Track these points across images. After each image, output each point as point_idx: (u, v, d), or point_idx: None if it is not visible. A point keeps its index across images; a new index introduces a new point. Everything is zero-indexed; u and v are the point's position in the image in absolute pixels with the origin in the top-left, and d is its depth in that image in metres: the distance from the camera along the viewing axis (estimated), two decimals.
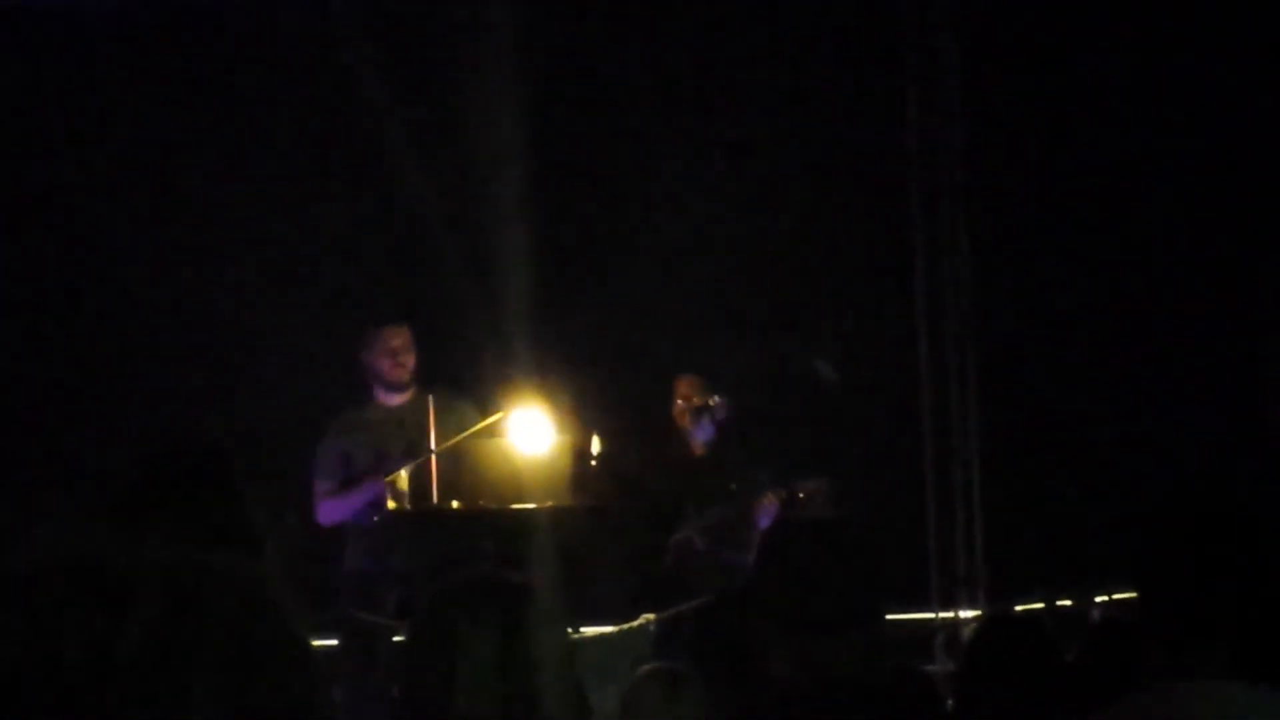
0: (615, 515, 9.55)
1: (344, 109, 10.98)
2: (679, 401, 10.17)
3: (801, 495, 9.68)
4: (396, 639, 8.74)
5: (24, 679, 1.28)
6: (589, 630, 8.97)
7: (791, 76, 11.34)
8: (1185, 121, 11.26)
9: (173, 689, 1.30)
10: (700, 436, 10.13)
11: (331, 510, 9.60)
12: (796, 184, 11.45)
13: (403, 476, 9.41)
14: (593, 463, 9.59)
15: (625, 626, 9.17)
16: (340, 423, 9.70)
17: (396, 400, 9.66)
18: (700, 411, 10.12)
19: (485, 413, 9.39)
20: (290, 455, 10.11)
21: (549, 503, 9.16)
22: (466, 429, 9.30)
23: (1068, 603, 9.98)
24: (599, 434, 9.70)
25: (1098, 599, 9.83)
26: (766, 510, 9.72)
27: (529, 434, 9.35)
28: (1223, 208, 11.30)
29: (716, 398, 10.12)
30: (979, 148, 11.57)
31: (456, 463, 9.39)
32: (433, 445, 9.46)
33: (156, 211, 11.08)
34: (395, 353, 9.60)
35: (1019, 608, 9.62)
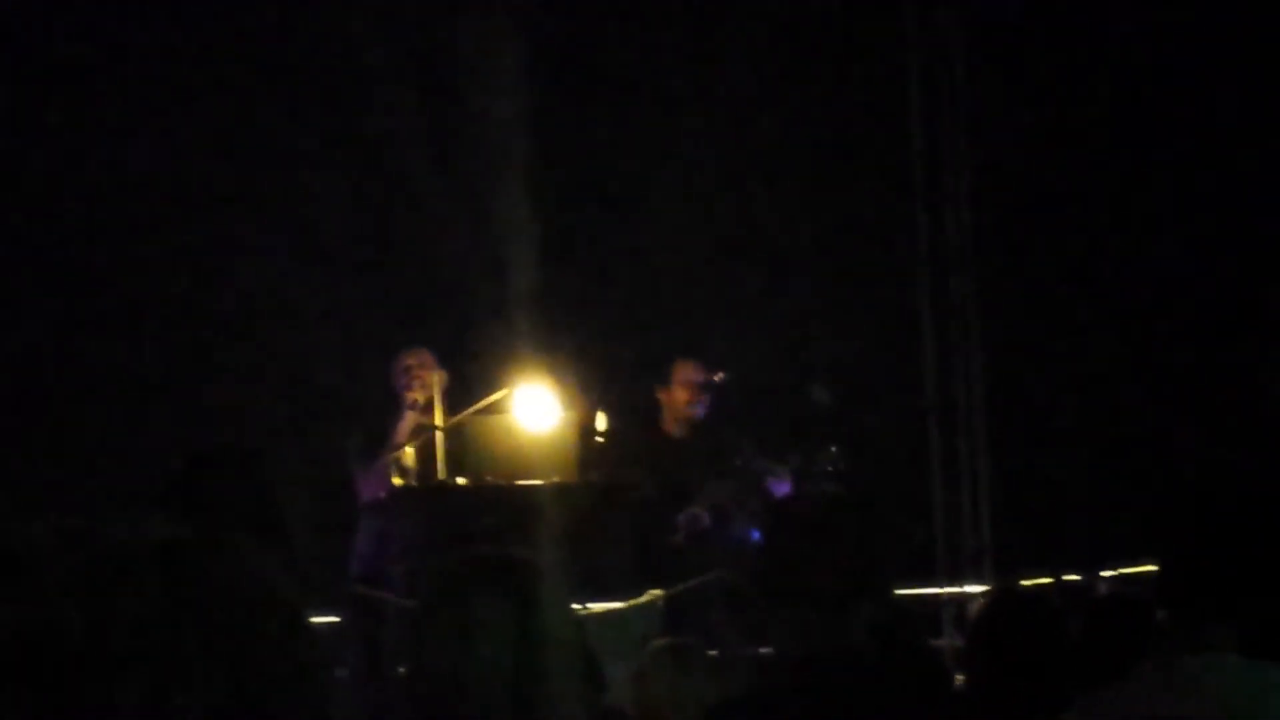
0: (622, 491, 9.55)
1: (347, 92, 10.97)
2: (680, 389, 10.12)
3: (811, 462, 9.70)
4: (402, 616, 8.75)
5: (25, 646, 1.30)
6: (597, 606, 8.98)
7: (796, 56, 11.32)
8: (1188, 107, 11.25)
9: (169, 654, 1.32)
10: (699, 414, 10.12)
11: (365, 487, 9.65)
12: (800, 161, 11.44)
13: (409, 453, 9.42)
14: (599, 439, 9.60)
15: (634, 602, 9.18)
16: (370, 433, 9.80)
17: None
18: (705, 389, 10.12)
19: None
20: (303, 439, 10.19)
21: (555, 479, 9.17)
22: None
23: (1075, 577, 9.98)
24: (605, 410, 9.70)
25: (1104, 574, 9.83)
26: (779, 481, 9.72)
27: (535, 410, 9.35)
28: (1230, 184, 11.28)
29: (720, 374, 10.13)
30: (982, 119, 11.55)
31: (463, 439, 9.40)
32: (439, 421, 9.47)
33: (178, 213, 11.05)
34: (409, 370, 9.66)
35: (1025, 582, 9.62)
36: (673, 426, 10.16)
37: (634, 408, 10.31)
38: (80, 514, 1.40)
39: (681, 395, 10.13)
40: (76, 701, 1.30)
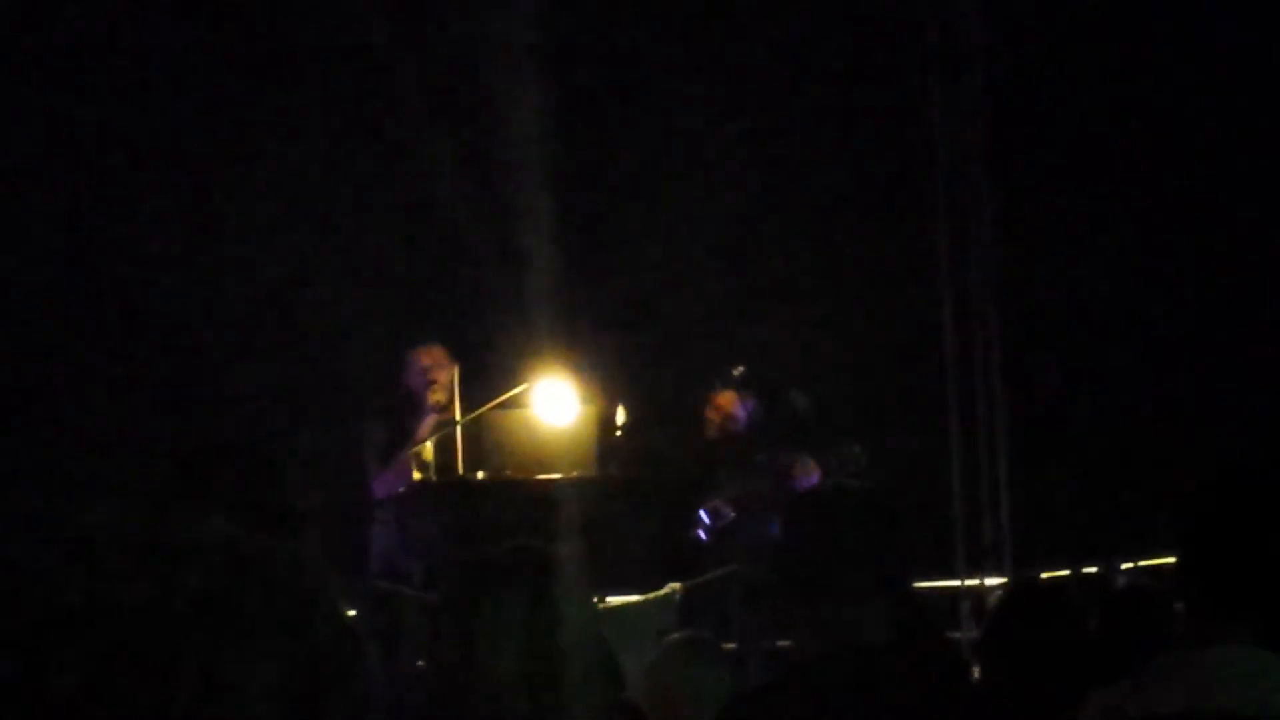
0: (641, 485, 9.55)
1: (365, 85, 10.98)
2: (714, 417, 10.19)
3: (835, 460, 9.69)
4: (421, 611, 8.75)
5: (87, 624, 1.33)
6: (615, 599, 8.98)
7: (819, 46, 11.32)
8: (1212, 109, 11.23)
9: (227, 642, 1.36)
10: (737, 428, 10.16)
11: (382, 483, 9.64)
12: (823, 154, 11.44)
13: (428, 447, 9.43)
14: (618, 433, 9.60)
15: (651, 595, 9.18)
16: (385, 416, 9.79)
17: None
18: (733, 420, 10.15)
19: None
20: (320, 431, 10.18)
21: (574, 473, 9.17)
22: None
23: (1093, 569, 9.97)
24: (625, 405, 9.70)
25: (1123, 566, 9.82)
26: (806, 476, 9.72)
27: (554, 405, 9.36)
28: (1253, 182, 11.27)
29: (739, 369, 10.13)
30: (1003, 118, 11.54)
31: (482, 433, 9.41)
32: (458, 416, 9.48)
33: (196, 207, 11.07)
34: (426, 370, 9.64)
35: (1044, 575, 9.61)
36: (710, 430, 10.20)
37: (677, 409, 10.34)
38: (140, 504, 1.44)
39: (715, 416, 10.18)
40: (138, 674, 1.34)
